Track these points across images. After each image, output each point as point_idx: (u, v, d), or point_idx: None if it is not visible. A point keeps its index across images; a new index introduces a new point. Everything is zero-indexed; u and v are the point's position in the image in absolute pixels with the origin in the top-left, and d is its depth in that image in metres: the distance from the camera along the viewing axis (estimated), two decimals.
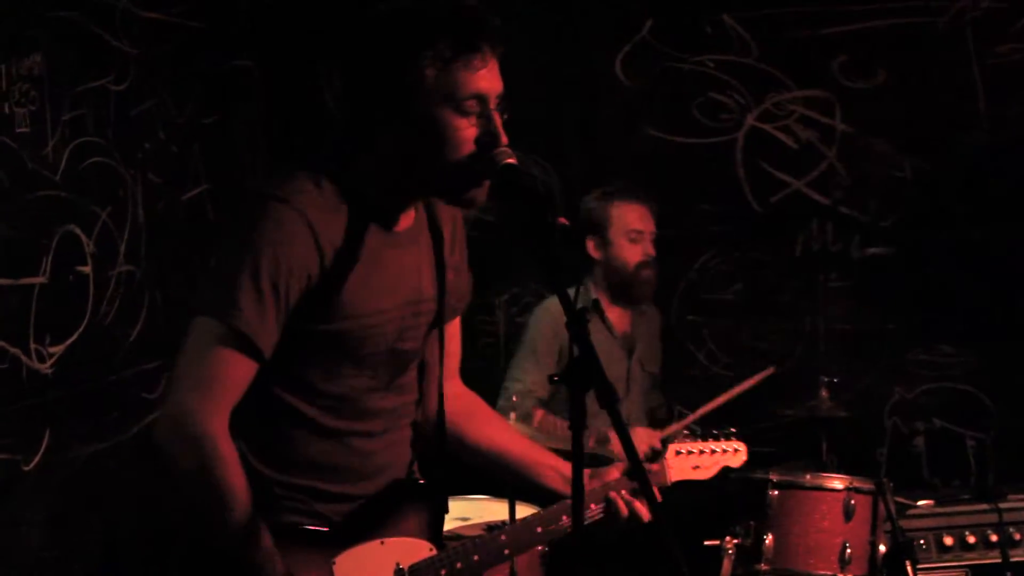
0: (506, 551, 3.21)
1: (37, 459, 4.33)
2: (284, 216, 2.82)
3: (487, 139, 2.85)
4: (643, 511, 3.31)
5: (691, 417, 5.47)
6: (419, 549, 3.10)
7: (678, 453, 3.68)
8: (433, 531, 3.15)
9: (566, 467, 3.28)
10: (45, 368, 4.38)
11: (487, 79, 2.85)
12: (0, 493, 4.23)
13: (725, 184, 6.30)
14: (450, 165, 2.87)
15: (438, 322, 3.14)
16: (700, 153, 6.30)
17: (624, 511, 3.33)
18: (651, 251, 5.39)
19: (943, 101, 6.15)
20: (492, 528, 3.55)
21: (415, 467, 3.21)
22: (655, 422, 5.57)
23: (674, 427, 5.46)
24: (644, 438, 5.23)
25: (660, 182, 5.93)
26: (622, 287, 5.39)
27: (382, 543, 3.06)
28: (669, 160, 6.29)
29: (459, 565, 3.12)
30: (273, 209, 2.83)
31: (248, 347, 2.82)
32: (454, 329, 3.32)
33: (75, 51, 4.59)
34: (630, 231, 5.33)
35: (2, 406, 4.20)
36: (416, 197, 3.01)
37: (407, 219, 3.03)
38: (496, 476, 3.42)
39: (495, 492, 4.70)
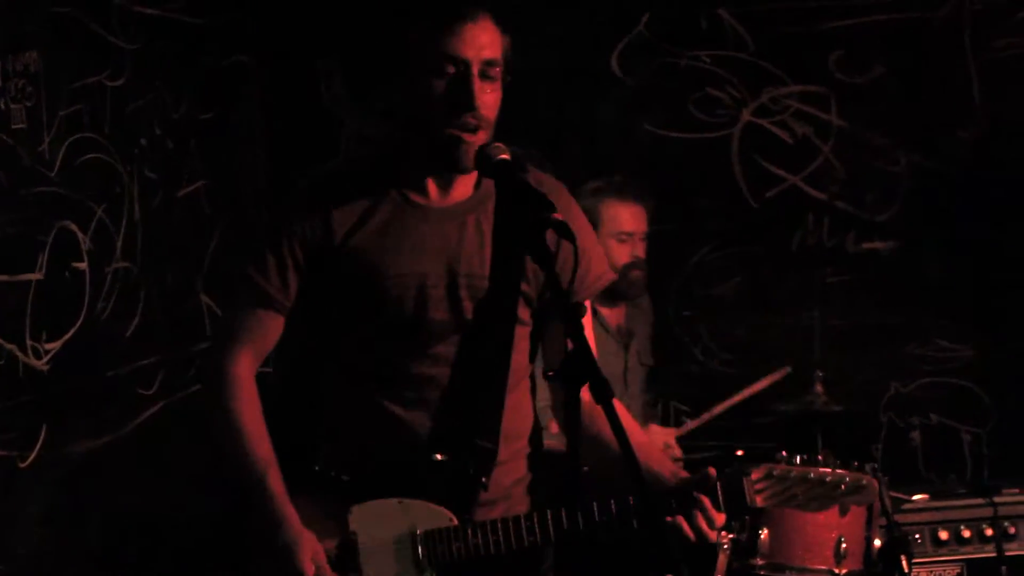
0: (530, 538, 3.13)
1: (34, 455, 4.33)
2: (297, 193, 3.19)
3: (461, 100, 2.96)
4: (707, 530, 3.09)
5: (707, 416, 5.47)
6: (438, 517, 3.13)
7: (769, 476, 3.17)
8: (460, 503, 3.15)
9: (670, 466, 3.24)
10: (41, 365, 4.38)
11: (468, 44, 2.95)
12: None
13: (721, 179, 6.30)
14: (428, 125, 3.01)
15: (544, 313, 3.22)
16: (696, 148, 6.30)
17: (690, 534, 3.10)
18: (640, 253, 5.31)
19: (939, 96, 6.16)
20: None
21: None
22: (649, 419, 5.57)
23: (690, 425, 5.47)
24: (659, 436, 5.24)
25: (656, 177, 5.93)
26: (609, 287, 5.33)
27: (400, 502, 3.12)
28: (665, 155, 6.30)
29: (476, 541, 3.11)
30: (294, 190, 3.20)
31: (265, 298, 3.15)
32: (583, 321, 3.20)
33: (72, 47, 4.59)
34: (619, 232, 5.26)
35: None
36: (435, 168, 3.12)
37: (450, 196, 3.15)
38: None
39: None
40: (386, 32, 3.01)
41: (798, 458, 3.17)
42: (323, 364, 3.25)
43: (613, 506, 3.10)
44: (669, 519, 3.09)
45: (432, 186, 3.13)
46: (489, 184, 3.15)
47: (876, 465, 4.84)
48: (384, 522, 3.10)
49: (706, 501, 3.09)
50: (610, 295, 5.37)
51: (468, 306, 3.14)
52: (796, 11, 6.19)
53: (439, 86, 2.96)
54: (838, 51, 6.21)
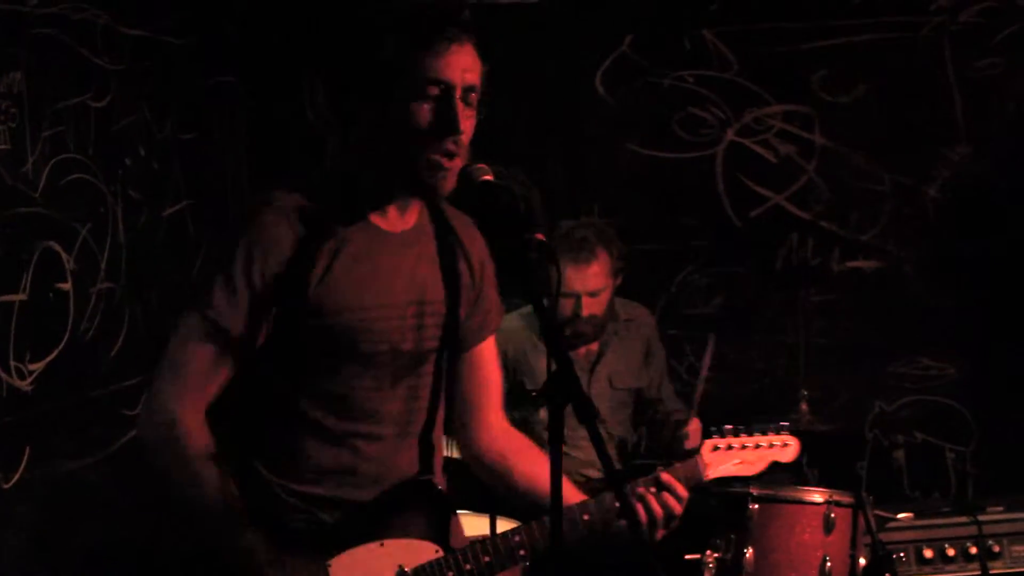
0: (521, 552, 3.13)
1: (17, 476, 4.32)
2: (262, 216, 2.95)
3: (443, 126, 2.89)
4: (672, 502, 3.26)
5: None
6: (424, 551, 3.07)
7: (716, 448, 3.54)
8: (440, 532, 3.11)
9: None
10: (25, 385, 4.37)
11: (451, 67, 2.89)
12: None
13: (705, 198, 6.32)
14: (408, 149, 2.91)
15: (463, 344, 3.19)
16: (680, 168, 6.32)
17: (657, 509, 3.25)
18: (586, 311, 5.22)
19: (922, 115, 6.18)
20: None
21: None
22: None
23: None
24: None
25: (640, 197, 5.95)
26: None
27: (382, 544, 3.03)
28: (649, 175, 6.31)
29: (468, 567, 3.07)
30: (254, 212, 2.97)
31: (218, 333, 2.92)
32: (487, 356, 3.31)
33: (55, 68, 4.60)
34: (563, 290, 5.13)
35: None
36: (403, 193, 3.03)
37: (404, 222, 3.06)
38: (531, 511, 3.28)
39: (474, 507, 4.69)
40: (367, 50, 2.95)
41: (728, 427, 3.60)
42: (282, 402, 3.01)
43: (593, 506, 3.17)
44: (641, 490, 3.24)
45: (393, 211, 3.04)
46: (431, 207, 3.12)
47: (865, 492, 4.82)
48: (368, 567, 3.01)
49: (670, 478, 3.29)
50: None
51: (433, 334, 3.10)
52: (779, 31, 6.21)
53: (422, 109, 2.89)
54: (821, 71, 6.23)
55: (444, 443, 3.29)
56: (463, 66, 2.91)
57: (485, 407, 3.31)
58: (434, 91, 2.89)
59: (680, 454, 5.26)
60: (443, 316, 3.11)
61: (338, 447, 3.02)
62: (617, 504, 3.17)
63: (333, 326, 2.95)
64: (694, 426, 5.30)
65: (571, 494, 3.21)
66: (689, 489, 3.32)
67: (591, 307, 5.24)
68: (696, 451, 3.52)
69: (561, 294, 5.18)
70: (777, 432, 3.64)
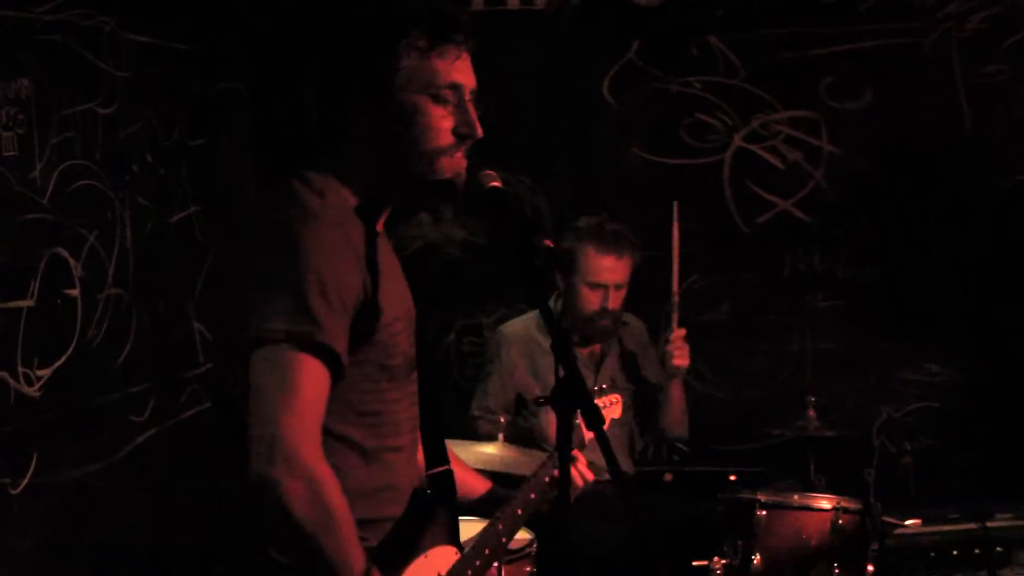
0: (503, 539, 3.28)
1: (25, 483, 4.32)
2: (324, 233, 2.81)
3: (464, 129, 2.91)
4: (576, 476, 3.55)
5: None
6: (450, 555, 3.12)
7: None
8: (455, 535, 3.16)
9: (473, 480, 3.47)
10: (33, 391, 4.38)
11: (462, 71, 2.92)
12: None
13: (712, 205, 6.32)
14: (428, 153, 2.90)
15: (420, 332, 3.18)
16: (687, 174, 6.32)
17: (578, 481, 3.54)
18: (613, 303, 5.27)
19: (929, 121, 6.18)
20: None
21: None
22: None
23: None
24: None
25: (647, 203, 5.94)
26: (573, 328, 5.31)
27: (426, 556, 3.04)
28: (656, 181, 6.31)
29: (478, 563, 3.14)
30: (313, 228, 2.80)
31: (332, 360, 2.78)
32: None
33: (63, 74, 4.60)
34: (592, 282, 5.24)
35: None
36: (393, 195, 3.00)
37: (380, 226, 3.05)
38: None
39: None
40: (372, 52, 2.93)
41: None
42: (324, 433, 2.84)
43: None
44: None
45: (384, 215, 3.02)
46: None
47: (873, 498, 4.82)
48: None
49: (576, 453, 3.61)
50: (582, 338, 5.36)
51: (415, 339, 3.10)
52: (786, 38, 6.21)
53: (438, 113, 2.89)
54: (828, 77, 6.23)
55: None
56: (468, 70, 2.94)
57: None
58: (450, 96, 2.90)
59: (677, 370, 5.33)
60: (415, 320, 3.12)
61: (371, 464, 2.98)
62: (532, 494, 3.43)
63: (378, 341, 2.91)
64: (677, 335, 5.34)
65: (471, 479, 3.46)
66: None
67: (616, 300, 5.26)
68: None
69: (590, 284, 5.23)
70: (603, 395, 4.21)
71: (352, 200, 2.94)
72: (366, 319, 2.85)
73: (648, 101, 6.34)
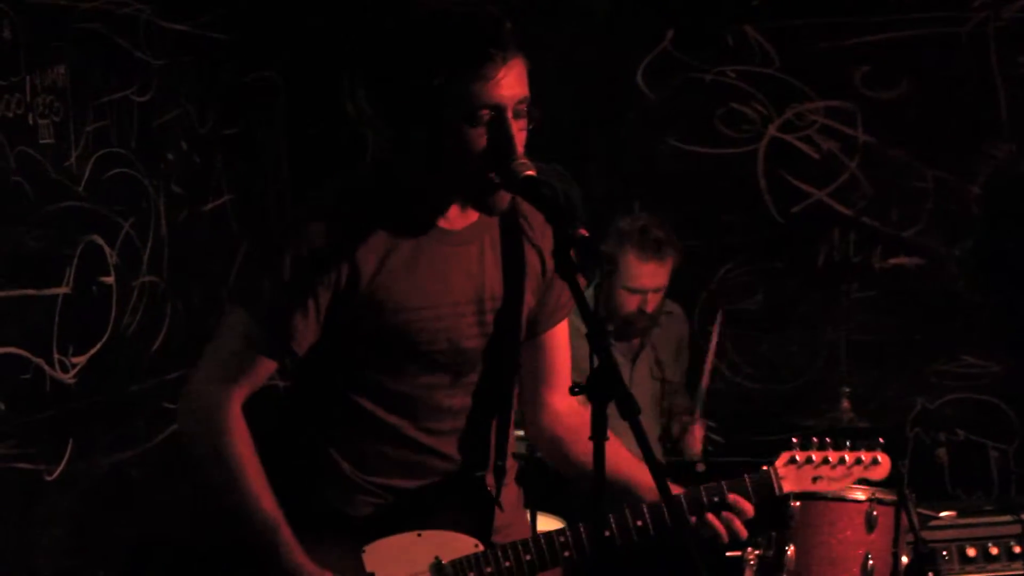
0: (566, 553, 3.09)
1: (60, 469, 4.35)
2: (310, 223, 2.91)
3: (498, 150, 2.83)
4: (737, 524, 3.20)
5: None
6: (463, 544, 3.07)
7: (792, 462, 3.28)
8: (481, 527, 3.11)
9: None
10: (68, 378, 4.40)
11: (502, 87, 2.81)
12: (23, 503, 4.24)
13: (747, 195, 6.30)
14: (463, 173, 2.87)
15: (530, 331, 3.18)
16: (722, 163, 6.30)
17: (721, 530, 3.20)
18: (649, 307, 5.31)
19: (965, 111, 6.15)
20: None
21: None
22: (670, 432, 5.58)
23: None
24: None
25: (682, 193, 5.93)
26: (609, 323, 5.33)
27: (419, 535, 3.04)
28: (691, 171, 6.29)
29: (508, 564, 3.06)
30: (303, 218, 2.94)
31: (269, 340, 2.93)
32: (558, 340, 3.30)
33: (98, 62, 4.62)
34: (631, 286, 5.27)
35: (25, 416, 4.22)
36: (458, 198, 3.01)
37: (466, 218, 3.03)
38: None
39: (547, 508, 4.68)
40: (410, 74, 2.87)
41: (814, 439, 3.28)
42: (341, 397, 3.03)
43: (646, 511, 3.10)
44: (701, 517, 3.15)
45: (455, 209, 3.01)
46: None
47: (908, 489, 4.80)
48: (402, 556, 3.01)
49: (737, 497, 3.18)
50: (617, 336, 5.37)
51: (492, 331, 3.07)
52: (822, 27, 6.19)
53: (475, 133, 2.81)
54: (864, 67, 6.20)
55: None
56: (512, 84, 2.83)
57: (550, 389, 3.28)
58: (487, 115, 2.81)
59: (692, 454, 5.31)
60: (505, 309, 3.09)
61: (402, 446, 3.04)
62: (669, 513, 3.09)
63: (391, 326, 2.94)
64: (698, 433, 5.36)
65: (642, 476, 3.11)
66: (759, 502, 3.22)
67: (654, 303, 5.29)
68: (771, 463, 3.28)
69: (628, 289, 5.25)
70: (871, 448, 3.33)
71: (393, 195, 2.96)
72: (365, 303, 2.92)
73: (683, 91, 6.32)
